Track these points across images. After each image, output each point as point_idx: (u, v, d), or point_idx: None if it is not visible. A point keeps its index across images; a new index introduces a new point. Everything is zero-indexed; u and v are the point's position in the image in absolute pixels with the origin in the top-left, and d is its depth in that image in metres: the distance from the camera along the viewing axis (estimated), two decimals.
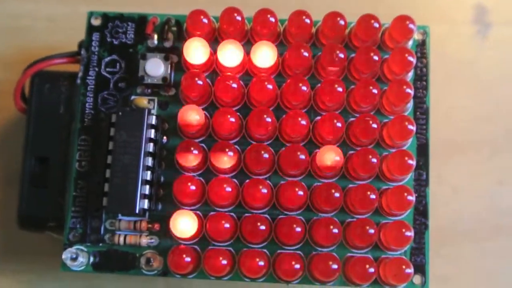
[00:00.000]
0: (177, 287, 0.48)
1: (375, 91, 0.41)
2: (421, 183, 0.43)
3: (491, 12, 0.52)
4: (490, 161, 0.51)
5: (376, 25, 0.42)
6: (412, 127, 0.41)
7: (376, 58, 0.41)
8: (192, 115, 0.40)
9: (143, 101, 0.43)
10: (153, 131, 0.41)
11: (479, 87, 0.51)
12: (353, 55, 0.42)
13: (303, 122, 0.41)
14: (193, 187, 0.40)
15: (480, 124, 0.51)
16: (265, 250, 0.41)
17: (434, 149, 0.47)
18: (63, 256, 0.41)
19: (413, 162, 0.40)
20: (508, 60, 0.52)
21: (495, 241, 0.50)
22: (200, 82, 0.41)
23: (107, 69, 0.43)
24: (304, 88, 0.41)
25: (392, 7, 0.52)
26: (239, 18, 0.42)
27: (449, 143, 0.51)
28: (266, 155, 0.41)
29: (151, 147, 0.41)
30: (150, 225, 0.42)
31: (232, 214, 0.41)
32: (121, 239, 0.41)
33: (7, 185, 0.48)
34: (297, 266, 0.40)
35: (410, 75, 0.43)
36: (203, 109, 0.42)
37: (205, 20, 0.42)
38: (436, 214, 0.48)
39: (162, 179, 0.42)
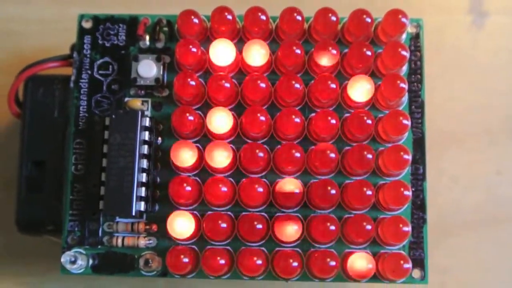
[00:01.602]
0: (177, 285, 0.48)
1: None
2: (418, 177, 0.42)
3: (486, 1, 0.52)
4: (488, 150, 0.50)
5: (368, 20, 0.42)
6: (407, 122, 0.40)
7: (369, 53, 0.41)
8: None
9: (136, 103, 0.43)
10: (147, 133, 0.41)
11: (476, 77, 0.51)
12: (346, 50, 0.42)
13: (297, 120, 0.41)
14: (188, 188, 0.40)
15: (477, 113, 0.51)
16: (263, 248, 0.41)
17: (432, 140, 0.47)
18: (62, 260, 0.41)
19: (408, 157, 0.40)
20: (505, 49, 0.51)
21: (494, 231, 0.50)
22: (192, 83, 0.41)
23: (100, 72, 0.43)
24: (297, 85, 0.41)
25: None
26: (230, 17, 0.42)
27: (446, 134, 0.51)
28: (261, 154, 0.41)
29: (145, 149, 0.41)
30: (147, 226, 0.42)
31: (229, 213, 0.42)
32: (119, 241, 0.41)
33: (5, 189, 0.48)
34: (295, 263, 0.40)
35: (404, 69, 0.43)
36: (196, 109, 0.42)
37: (196, 20, 0.42)
38: (435, 205, 0.49)
39: (158, 180, 0.42)
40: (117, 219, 0.42)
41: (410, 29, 0.44)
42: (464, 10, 0.52)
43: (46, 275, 0.48)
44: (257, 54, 0.41)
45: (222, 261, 0.40)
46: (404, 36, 0.43)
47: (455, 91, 0.51)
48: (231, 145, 0.42)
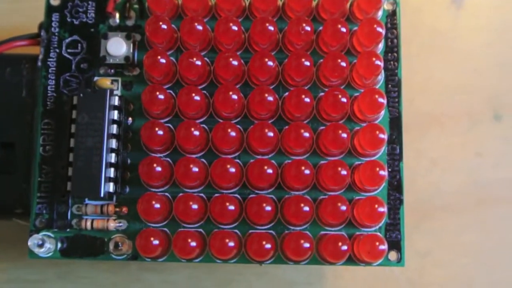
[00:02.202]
0: (150, 268, 0.47)
1: (343, 64, 0.40)
2: (395, 158, 0.42)
3: None
4: (468, 132, 0.50)
5: None
6: (383, 100, 0.40)
7: (344, 30, 0.40)
8: None
9: (106, 82, 0.42)
10: (116, 112, 0.40)
11: (455, 57, 0.50)
12: (321, 28, 0.41)
13: (270, 98, 0.40)
14: (159, 169, 0.39)
15: (457, 95, 0.50)
16: (236, 231, 0.40)
17: (411, 122, 0.47)
18: (29, 243, 0.40)
19: (384, 136, 0.39)
20: (484, 29, 0.51)
21: (474, 214, 0.49)
22: (163, 61, 0.40)
23: (68, 50, 0.42)
24: (271, 63, 0.40)
25: None
26: None
27: (426, 116, 0.50)
28: (233, 133, 0.40)
29: (114, 128, 0.40)
30: (117, 209, 0.41)
31: (201, 194, 0.41)
32: (88, 224, 0.40)
33: None
34: (268, 246, 0.39)
35: (381, 46, 0.42)
36: (167, 88, 0.41)
37: None
38: (415, 187, 0.48)
39: (128, 161, 0.41)
40: (86, 201, 0.41)
41: (386, 6, 0.43)
42: None
43: (17, 260, 0.47)
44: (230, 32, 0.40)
45: (193, 244, 0.39)
46: (380, 13, 0.42)
47: (434, 71, 0.50)
48: (203, 125, 0.41)
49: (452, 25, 0.51)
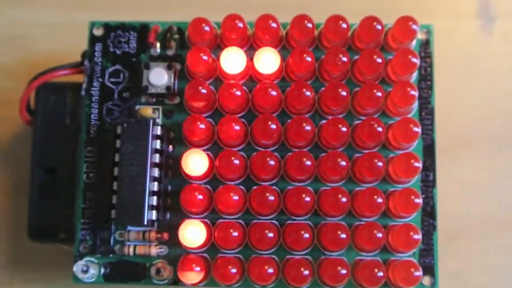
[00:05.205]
0: None
1: (379, 94, 0.41)
2: (428, 184, 0.42)
3: (495, 6, 0.52)
4: (497, 155, 0.50)
5: (379, 27, 0.42)
6: (417, 129, 0.40)
7: (379, 60, 0.41)
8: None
9: (148, 111, 0.43)
10: (158, 141, 0.41)
11: (484, 81, 0.51)
12: (356, 57, 0.42)
13: (308, 128, 0.41)
14: (200, 197, 0.40)
15: (486, 119, 0.51)
16: (274, 257, 0.41)
17: (441, 146, 0.47)
18: (74, 269, 0.41)
19: (419, 165, 0.40)
20: None
21: (504, 236, 0.49)
22: (204, 91, 0.41)
23: (111, 80, 0.43)
24: (308, 93, 0.41)
25: (395, 3, 0.51)
26: (240, 24, 0.42)
27: (456, 139, 0.50)
28: (272, 162, 0.41)
29: (157, 157, 0.41)
30: (159, 235, 0.42)
31: (240, 221, 0.42)
32: (131, 249, 0.42)
33: (17, 196, 0.49)
34: (306, 272, 0.40)
35: (415, 75, 0.43)
36: (207, 117, 0.42)
37: (207, 28, 0.42)
38: (445, 210, 0.48)
39: (169, 188, 0.42)
40: (129, 227, 0.42)
41: (420, 35, 0.44)
42: (473, 15, 0.52)
43: (59, 282, 0.48)
44: (268, 61, 0.41)
45: (234, 270, 0.40)
46: (414, 42, 0.43)
47: (464, 95, 0.51)
48: (242, 153, 0.42)
49: (481, 50, 0.51)
